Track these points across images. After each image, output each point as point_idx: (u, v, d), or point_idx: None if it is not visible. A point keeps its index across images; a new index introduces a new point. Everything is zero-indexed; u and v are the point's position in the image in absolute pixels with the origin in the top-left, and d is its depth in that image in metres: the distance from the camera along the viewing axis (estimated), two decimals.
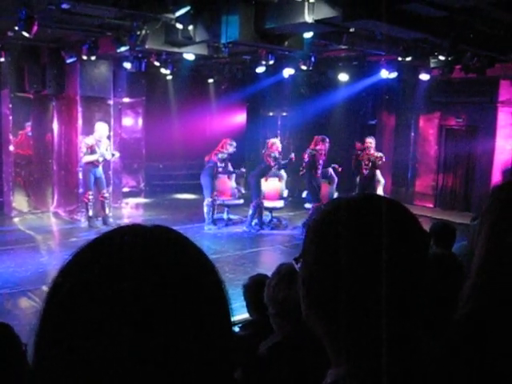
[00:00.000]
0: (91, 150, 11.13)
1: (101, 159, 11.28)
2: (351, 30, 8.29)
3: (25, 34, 7.88)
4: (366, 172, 11.67)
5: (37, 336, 0.75)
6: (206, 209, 11.52)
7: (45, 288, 7.71)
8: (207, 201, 11.50)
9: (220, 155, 11.54)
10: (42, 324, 0.75)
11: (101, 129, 11.30)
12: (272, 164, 11.50)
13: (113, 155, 11.66)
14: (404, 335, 1.02)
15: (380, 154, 11.66)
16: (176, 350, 0.72)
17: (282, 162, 11.75)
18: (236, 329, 4.22)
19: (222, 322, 0.80)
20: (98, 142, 11.24)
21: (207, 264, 0.83)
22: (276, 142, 11.74)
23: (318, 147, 11.25)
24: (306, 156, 11.24)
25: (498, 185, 1.70)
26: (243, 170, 12.21)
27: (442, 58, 9.74)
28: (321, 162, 11.30)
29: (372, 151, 11.67)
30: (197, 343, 0.74)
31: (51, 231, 11.61)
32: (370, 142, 11.72)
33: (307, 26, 7.63)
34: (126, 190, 14.84)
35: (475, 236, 1.66)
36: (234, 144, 11.73)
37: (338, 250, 1.00)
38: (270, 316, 2.54)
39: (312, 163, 11.16)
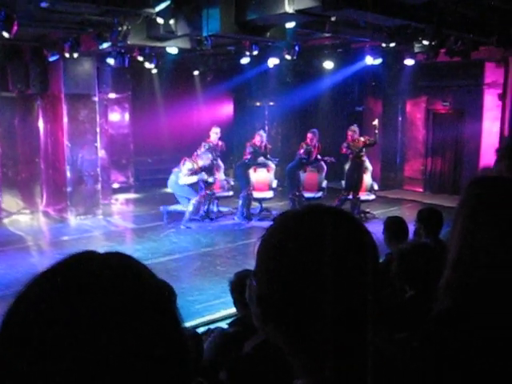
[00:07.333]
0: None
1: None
2: (333, 18, 8.27)
3: (5, 34, 7.79)
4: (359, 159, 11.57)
5: None
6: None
7: None
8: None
9: (206, 146, 11.56)
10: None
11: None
12: (248, 156, 11.67)
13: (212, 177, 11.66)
14: (361, 342, 1.02)
15: (365, 138, 11.54)
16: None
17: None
18: (224, 325, 4.23)
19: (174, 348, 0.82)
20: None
21: (162, 292, 0.85)
22: (259, 134, 11.82)
23: (308, 141, 11.76)
24: (302, 151, 11.69)
25: (472, 179, 1.70)
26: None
27: (425, 42, 9.68)
28: (314, 155, 11.81)
29: (360, 138, 11.51)
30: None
31: (41, 231, 11.57)
32: (354, 130, 11.54)
33: (288, 17, 7.60)
34: (115, 186, 14.80)
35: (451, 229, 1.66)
36: (216, 130, 11.86)
37: (289, 265, 1.01)
38: (252, 315, 2.54)
39: (307, 158, 11.71)
